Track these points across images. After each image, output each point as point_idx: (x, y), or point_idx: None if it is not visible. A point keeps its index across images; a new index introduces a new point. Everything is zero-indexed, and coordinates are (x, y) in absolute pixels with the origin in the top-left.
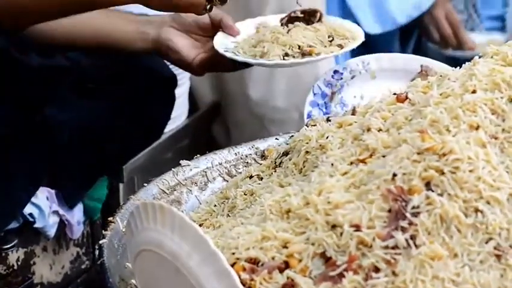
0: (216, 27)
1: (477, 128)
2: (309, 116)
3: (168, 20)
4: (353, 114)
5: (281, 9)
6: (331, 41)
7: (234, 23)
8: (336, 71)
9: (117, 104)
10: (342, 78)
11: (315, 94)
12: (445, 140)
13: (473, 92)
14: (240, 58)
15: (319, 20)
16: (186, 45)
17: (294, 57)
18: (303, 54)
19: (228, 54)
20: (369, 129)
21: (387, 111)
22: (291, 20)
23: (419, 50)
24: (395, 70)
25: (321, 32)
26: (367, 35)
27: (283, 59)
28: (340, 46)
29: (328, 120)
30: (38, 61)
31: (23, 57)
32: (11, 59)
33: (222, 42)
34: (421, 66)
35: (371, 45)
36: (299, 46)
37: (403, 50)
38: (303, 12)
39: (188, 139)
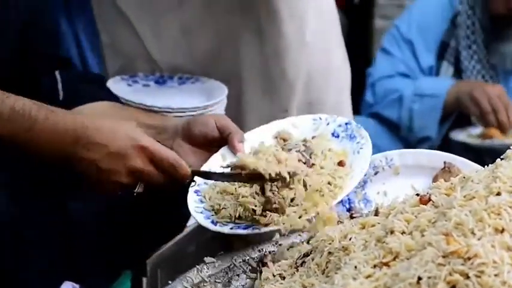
0: (225, 140)
1: (502, 231)
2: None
3: (180, 130)
4: (376, 214)
5: None
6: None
7: (241, 140)
8: None
9: (140, 197)
10: (365, 175)
11: None
12: (470, 243)
13: (498, 194)
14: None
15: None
16: (193, 164)
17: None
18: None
19: (205, 223)
20: (392, 232)
21: (410, 213)
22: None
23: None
24: (419, 166)
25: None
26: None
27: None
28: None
29: (351, 217)
30: None
31: None
32: None
33: (221, 158)
34: (444, 162)
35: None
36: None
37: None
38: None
39: (211, 232)
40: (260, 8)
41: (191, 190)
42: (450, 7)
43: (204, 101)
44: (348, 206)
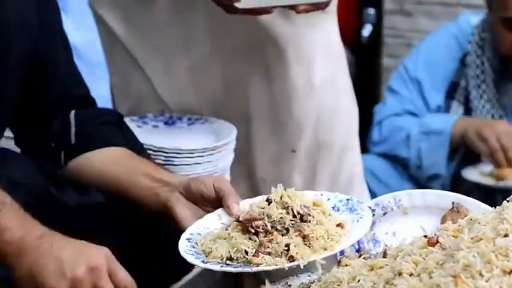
0: (220, 200)
1: (510, 272)
2: (341, 253)
3: (181, 185)
4: (384, 256)
5: None
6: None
7: (236, 201)
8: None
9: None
10: (373, 215)
11: None
12: (478, 285)
13: (505, 235)
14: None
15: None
16: (186, 217)
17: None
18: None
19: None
20: (400, 274)
21: (418, 255)
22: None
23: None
24: (427, 207)
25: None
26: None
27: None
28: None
29: (360, 256)
30: (75, 198)
31: (60, 194)
32: (49, 197)
33: (211, 221)
34: (453, 203)
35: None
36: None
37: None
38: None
39: (220, 274)
40: (267, 50)
41: (183, 237)
42: (459, 47)
43: (213, 141)
44: (357, 246)
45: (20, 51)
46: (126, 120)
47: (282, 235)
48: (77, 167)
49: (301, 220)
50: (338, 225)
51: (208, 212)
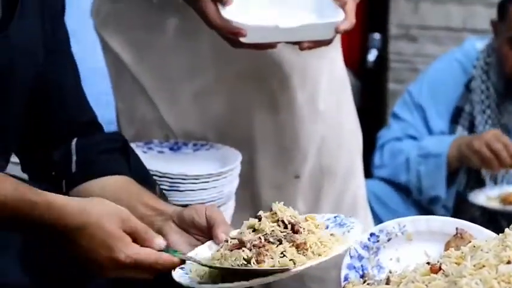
0: (211, 230)
1: None
2: (345, 278)
3: (174, 214)
4: (387, 283)
5: None
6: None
7: (226, 232)
8: (372, 234)
9: None
10: (378, 241)
11: (351, 257)
12: None
13: (508, 262)
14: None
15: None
16: (180, 245)
17: None
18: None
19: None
20: None
21: (421, 282)
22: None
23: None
24: (431, 232)
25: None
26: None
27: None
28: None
29: (364, 282)
30: None
31: None
32: None
33: (208, 248)
34: (457, 229)
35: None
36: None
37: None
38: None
39: None
40: (272, 76)
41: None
42: (464, 72)
43: (218, 167)
44: (361, 272)
45: (25, 77)
46: (132, 146)
47: (276, 246)
48: (77, 195)
49: (293, 230)
50: (331, 235)
51: (202, 242)
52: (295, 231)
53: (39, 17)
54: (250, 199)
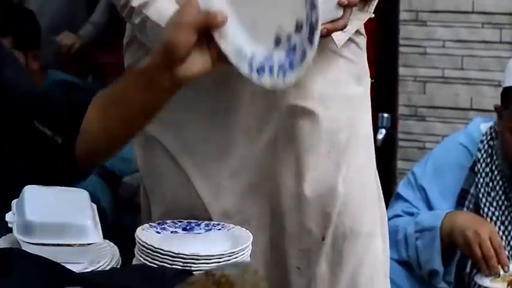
0: None
1: None
2: None
3: None
4: None
5: None
6: None
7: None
8: None
9: None
10: None
11: None
12: None
13: None
14: None
15: None
16: None
17: None
18: None
19: None
20: None
21: None
22: None
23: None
24: None
25: None
26: None
27: None
28: None
29: None
30: None
31: None
32: None
33: None
34: None
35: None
36: None
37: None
38: None
39: None
40: (300, 142)
41: None
42: (469, 155)
43: (230, 247)
44: None
45: None
46: (145, 226)
47: None
48: None
49: None
50: None
51: None
52: None
53: None
54: (279, 263)
